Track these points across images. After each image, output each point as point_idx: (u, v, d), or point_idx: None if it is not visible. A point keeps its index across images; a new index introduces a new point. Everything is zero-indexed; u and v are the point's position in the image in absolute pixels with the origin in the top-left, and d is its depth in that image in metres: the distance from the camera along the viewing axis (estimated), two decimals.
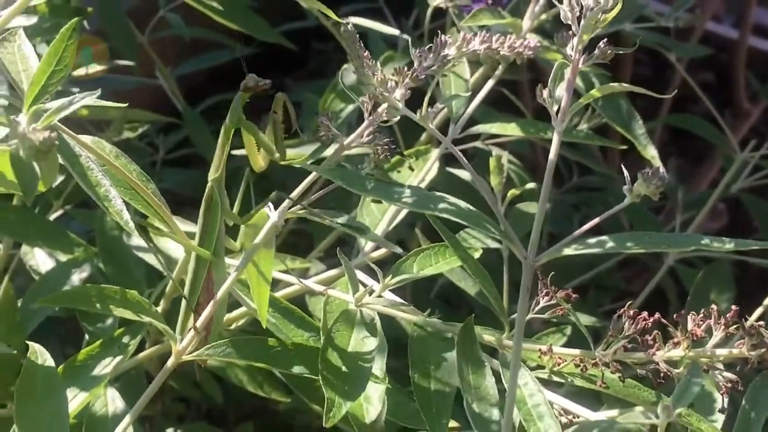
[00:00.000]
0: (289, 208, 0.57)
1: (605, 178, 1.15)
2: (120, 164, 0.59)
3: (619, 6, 0.46)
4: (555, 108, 0.46)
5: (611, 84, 0.47)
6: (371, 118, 0.54)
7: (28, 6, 0.58)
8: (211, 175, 0.59)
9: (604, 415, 0.58)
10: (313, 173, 0.56)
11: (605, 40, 0.47)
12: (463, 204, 0.46)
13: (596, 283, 1.13)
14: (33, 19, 0.73)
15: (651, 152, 0.80)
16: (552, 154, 0.45)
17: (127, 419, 0.61)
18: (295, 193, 0.58)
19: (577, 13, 0.46)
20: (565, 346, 0.78)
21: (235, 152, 0.62)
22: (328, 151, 0.77)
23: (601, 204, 1.14)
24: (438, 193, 0.47)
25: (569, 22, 0.47)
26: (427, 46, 0.53)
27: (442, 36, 0.53)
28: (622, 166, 0.46)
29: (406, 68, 0.51)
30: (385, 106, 0.53)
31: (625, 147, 0.82)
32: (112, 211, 0.50)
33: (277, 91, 0.59)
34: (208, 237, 0.59)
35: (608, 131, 1.07)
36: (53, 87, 0.44)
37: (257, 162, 0.59)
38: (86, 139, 0.57)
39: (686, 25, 1.00)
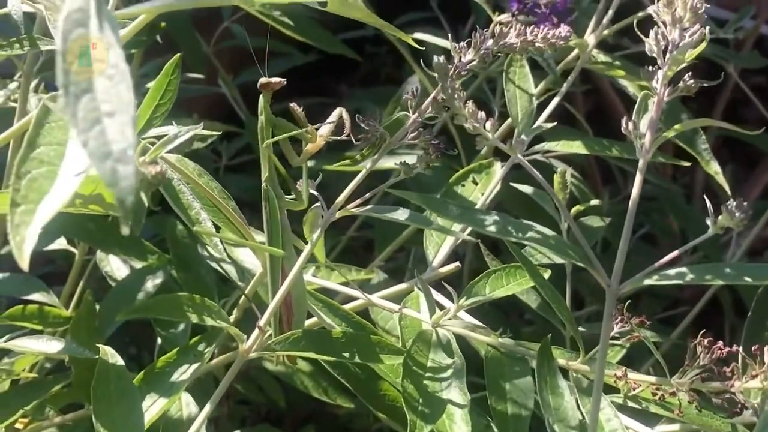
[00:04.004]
0: (340, 208, 0.59)
1: (658, 187, 1.15)
2: (203, 182, 0.61)
3: (706, 42, 0.47)
4: (640, 143, 0.47)
5: (695, 119, 0.48)
6: (415, 115, 0.55)
7: None
8: (264, 176, 0.61)
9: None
10: (361, 174, 0.58)
11: (689, 73, 0.48)
12: (548, 231, 0.47)
13: (649, 291, 1.14)
14: None
15: (714, 168, 0.80)
16: (635, 192, 0.46)
17: (198, 421, 0.64)
18: (343, 194, 0.59)
19: (663, 47, 0.47)
20: (623, 357, 0.80)
21: (328, 167, 0.64)
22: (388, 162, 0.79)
23: (656, 213, 1.14)
24: (524, 221, 0.48)
25: (654, 55, 0.48)
26: (466, 41, 0.54)
27: (482, 30, 0.54)
28: (705, 198, 0.47)
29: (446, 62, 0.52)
30: (429, 102, 0.54)
31: (689, 164, 0.82)
32: (203, 232, 0.52)
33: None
34: (275, 235, 0.62)
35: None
36: (158, 120, 0.46)
37: (293, 157, 0.62)
38: (171, 158, 0.59)
39: (746, 36, 1.00)
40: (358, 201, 0.59)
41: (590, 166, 1.19)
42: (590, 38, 0.81)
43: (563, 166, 0.81)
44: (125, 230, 0.39)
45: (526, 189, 0.80)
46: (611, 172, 1.18)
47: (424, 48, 0.72)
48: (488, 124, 0.49)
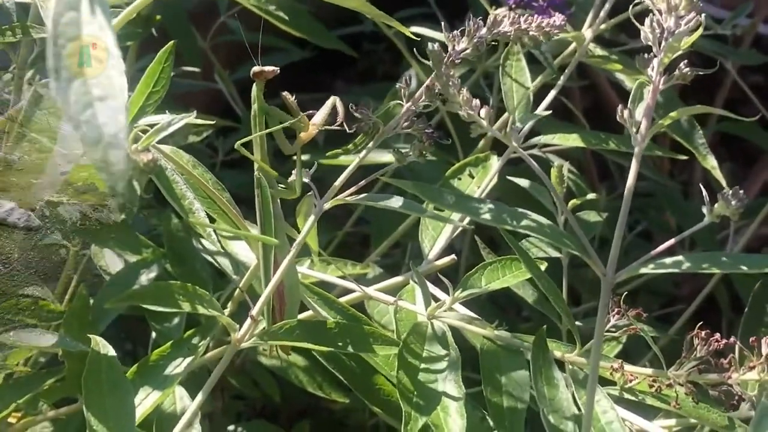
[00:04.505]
0: (333, 197, 0.58)
1: (656, 183, 1.15)
2: (197, 173, 0.61)
3: (702, 29, 0.46)
4: (635, 130, 0.47)
5: (692, 107, 0.47)
6: (409, 104, 0.55)
7: None
8: (257, 161, 0.61)
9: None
10: (354, 163, 0.58)
11: (685, 61, 0.48)
12: (543, 220, 0.47)
13: (646, 288, 1.14)
14: None
15: (711, 163, 0.80)
16: (630, 180, 0.46)
17: (190, 411, 0.63)
18: (338, 181, 0.59)
19: (658, 35, 0.47)
20: (620, 353, 0.79)
21: (323, 161, 0.64)
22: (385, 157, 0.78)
23: (652, 209, 1.14)
24: (519, 210, 0.48)
25: (650, 43, 0.48)
26: (460, 29, 0.54)
27: (476, 19, 0.54)
28: (702, 188, 0.47)
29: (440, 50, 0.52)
30: (422, 90, 0.54)
31: (685, 158, 0.82)
32: (196, 223, 0.52)
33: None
34: (267, 223, 0.61)
35: (656, 136, 1.07)
36: (151, 108, 0.45)
37: (286, 146, 0.62)
38: (165, 148, 0.59)
39: (744, 33, 0.99)
40: (352, 189, 0.58)
41: (587, 162, 1.19)
42: (587, 32, 0.81)
43: (560, 161, 0.81)
44: (118, 216, 0.38)
45: (523, 182, 0.80)
46: (608, 168, 1.18)
47: (421, 43, 0.72)
48: (483, 112, 0.49)
